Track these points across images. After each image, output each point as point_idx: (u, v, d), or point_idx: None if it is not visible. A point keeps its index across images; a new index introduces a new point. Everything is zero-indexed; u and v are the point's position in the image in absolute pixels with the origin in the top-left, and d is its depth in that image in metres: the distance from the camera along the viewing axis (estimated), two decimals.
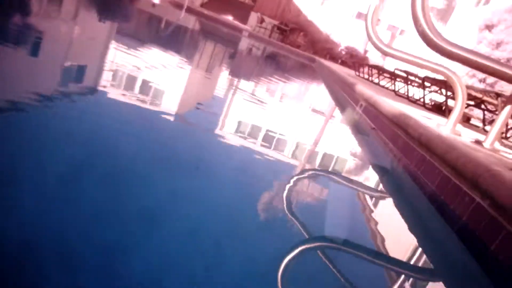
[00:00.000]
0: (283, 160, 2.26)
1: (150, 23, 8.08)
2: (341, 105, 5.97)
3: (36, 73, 2.17)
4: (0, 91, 1.67)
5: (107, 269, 0.86)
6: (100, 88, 2.28)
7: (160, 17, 9.96)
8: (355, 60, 14.85)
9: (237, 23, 16.46)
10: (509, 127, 4.43)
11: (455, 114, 2.90)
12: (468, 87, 4.55)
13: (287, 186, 1.81)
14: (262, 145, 2.36)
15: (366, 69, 9.30)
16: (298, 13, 18.71)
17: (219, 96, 3.56)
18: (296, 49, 15.64)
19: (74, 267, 0.84)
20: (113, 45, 3.92)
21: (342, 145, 3.46)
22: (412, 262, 1.54)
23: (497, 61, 2.35)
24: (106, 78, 2.60)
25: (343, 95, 6.32)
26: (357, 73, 9.96)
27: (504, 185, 1.45)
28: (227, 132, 2.41)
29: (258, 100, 3.97)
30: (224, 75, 4.98)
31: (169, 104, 2.60)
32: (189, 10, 14.05)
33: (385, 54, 3.56)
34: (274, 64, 9.84)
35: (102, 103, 2.05)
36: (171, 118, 2.29)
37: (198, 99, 3.21)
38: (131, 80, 2.74)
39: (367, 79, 8.66)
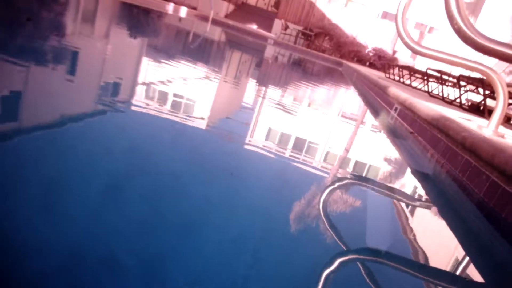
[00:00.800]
0: (316, 167, 2.24)
1: (178, 36, 8.29)
2: (373, 109, 5.85)
3: (70, 90, 2.26)
4: (38, 108, 1.76)
5: (148, 278, 0.88)
6: (134, 102, 2.36)
7: (187, 31, 10.21)
8: (383, 62, 14.54)
9: (261, 31, 16.58)
10: None
11: (497, 114, 2.76)
12: (509, 85, 4.33)
13: (323, 195, 1.78)
14: (293, 153, 2.35)
15: (396, 70, 9.08)
16: (322, 17, 18.60)
17: (248, 105, 3.58)
18: (322, 54, 15.52)
19: (117, 277, 0.86)
20: (145, 60, 4.05)
21: (378, 151, 3.37)
22: (459, 275, 1.46)
23: None
24: (139, 93, 2.69)
25: (375, 98, 6.19)
26: (387, 75, 9.73)
27: None
28: (258, 140, 2.43)
29: (287, 107, 3.96)
30: (252, 84, 5.02)
31: (201, 115, 2.64)
32: (215, 22, 14.31)
33: (416, 53, 3.45)
34: (300, 70, 9.81)
35: (136, 117, 2.11)
36: (203, 129, 2.32)
37: (228, 109, 3.25)
38: (163, 93, 2.82)
39: (398, 81, 8.45)
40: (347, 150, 3.00)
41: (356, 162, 2.70)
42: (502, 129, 3.56)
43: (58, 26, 4.21)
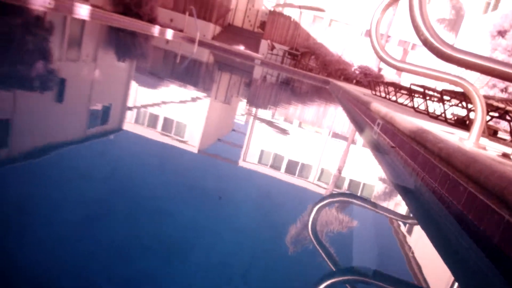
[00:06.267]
0: (305, 187, 2.22)
1: (166, 58, 8.33)
2: (359, 125, 5.91)
3: (60, 116, 2.22)
4: (27, 135, 1.71)
5: None
6: (123, 127, 2.32)
7: (175, 52, 10.28)
8: (370, 79, 14.84)
9: (249, 52, 16.82)
10: None
11: (476, 126, 2.80)
12: (488, 97, 4.42)
13: (311, 214, 1.76)
14: (283, 173, 2.33)
15: (382, 88, 9.25)
16: (307, 37, 19.01)
17: (238, 126, 3.57)
18: (309, 73, 15.77)
19: None
20: (133, 83, 4.04)
21: (364, 168, 3.38)
22: None
23: (505, 63, 2.25)
24: (128, 117, 2.66)
25: (360, 115, 6.26)
26: (373, 92, 9.91)
27: None
28: (249, 162, 2.41)
29: (277, 127, 3.97)
30: (241, 105, 5.04)
31: (191, 138, 2.62)
32: (202, 44, 14.47)
33: (396, 68, 3.51)
34: (289, 89, 9.91)
35: (125, 141, 2.08)
36: (194, 152, 2.29)
37: (218, 131, 3.23)
38: (153, 116, 2.80)
39: (384, 97, 8.59)
40: (334, 168, 3.00)
41: (340, 178, 2.70)
42: (486, 142, 3.61)
43: (43, 51, 4.18)
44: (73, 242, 1.03)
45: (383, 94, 8.98)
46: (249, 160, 2.45)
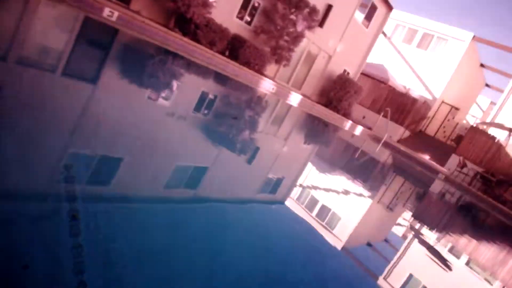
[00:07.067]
0: None
1: (346, 151, 8.90)
2: None
3: (244, 175, 2.82)
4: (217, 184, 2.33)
5: None
6: (286, 201, 2.74)
7: (356, 147, 10.80)
8: None
9: (433, 163, 15.80)
10: None
11: None
12: None
13: None
14: None
15: None
16: (510, 164, 16.40)
17: (393, 238, 3.47)
18: (502, 206, 13.44)
19: None
20: (309, 164, 4.58)
21: None
22: None
23: None
24: (294, 193, 3.05)
25: None
26: None
27: None
28: (391, 283, 2.25)
29: (440, 256, 3.49)
30: (405, 216, 4.87)
31: (340, 232, 2.69)
32: (386, 144, 14.58)
33: None
34: (469, 217, 8.78)
35: (280, 215, 2.44)
36: (337, 247, 2.37)
37: (370, 234, 3.26)
38: (313, 200, 3.04)
39: None
40: None
41: None
42: None
43: (253, 124, 5.34)
44: None
45: None
46: (391, 282, 2.26)
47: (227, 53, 11.22)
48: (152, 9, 9.53)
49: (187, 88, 5.49)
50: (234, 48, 11.16)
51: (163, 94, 4.15)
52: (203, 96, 5.33)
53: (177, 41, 7.83)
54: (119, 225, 1.43)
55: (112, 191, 1.69)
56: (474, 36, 20.91)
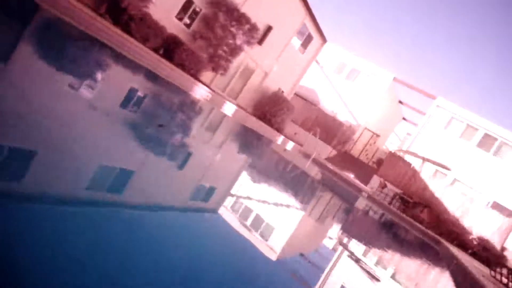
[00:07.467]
0: None
1: (279, 164, 8.79)
2: None
3: (176, 181, 2.41)
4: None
5: None
6: (219, 210, 2.40)
7: (288, 161, 10.81)
8: (488, 255, 12.74)
9: (357, 182, 16.59)
10: None
11: None
12: None
13: None
14: None
15: (505, 271, 7.79)
16: (424, 188, 17.98)
17: (324, 250, 3.36)
18: (418, 224, 14.48)
19: None
20: (244, 174, 4.29)
21: None
22: None
23: None
24: (227, 202, 2.76)
25: None
26: (493, 274, 8.39)
27: None
28: None
29: (367, 271, 3.56)
30: (334, 229, 4.80)
31: (275, 243, 2.53)
32: (315, 161, 14.96)
33: None
34: (390, 233, 9.16)
35: (212, 224, 2.11)
36: (272, 258, 2.19)
37: (303, 246, 3.08)
38: (247, 210, 2.84)
39: (506, 285, 7.16)
40: None
41: None
42: None
43: (185, 129, 4.87)
44: None
45: (504, 280, 7.51)
46: None
47: (161, 51, 10.57)
48: None
49: (113, 82, 4.86)
50: (169, 48, 10.58)
51: (83, 84, 3.52)
52: (131, 93, 4.75)
53: (104, 29, 7.07)
54: (27, 228, 1.16)
55: (22, 189, 1.37)
56: (394, 78, 23.07)
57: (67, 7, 6.40)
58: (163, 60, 9.18)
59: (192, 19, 12.43)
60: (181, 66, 10.50)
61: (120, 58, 7.08)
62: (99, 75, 4.45)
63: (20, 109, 2.01)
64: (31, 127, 1.87)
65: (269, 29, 15.66)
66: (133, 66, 7.35)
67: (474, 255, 15.18)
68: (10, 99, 2.10)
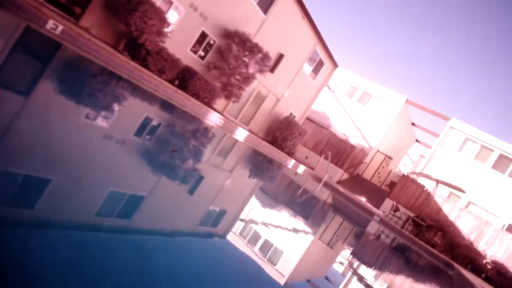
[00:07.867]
0: None
1: (289, 188, 8.98)
2: None
3: (185, 207, 2.64)
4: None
5: None
6: (227, 235, 2.62)
7: (298, 185, 10.98)
8: (503, 280, 12.43)
9: (369, 205, 16.53)
10: None
11: None
12: None
13: None
14: None
15: None
16: (437, 211, 17.74)
17: (333, 274, 3.47)
18: (431, 248, 14.29)
19: None
20: (253, 198, 4.51)
21: None
22: None
23: None
24: (236, 227, 2.96)
25: None
26: None
27: None
28: None
29: None
30: (344, 254, 4.92)
31: (283, 267, 2.65)
32: (326, 184, 15.04)
33: None
34: (402, 257, 9.15)
35: (221, 249, 2.33)
36: (280, 282, 2.33)
37: (311, 271, 3.21)
38: (256, 235, 2.98)
39: None
40: None
41: None
42: None
43: (198, 154, 5.18)
44: None
45: None
46: None
47: (176, 82, 11.08)
48: (104, 29, 9.25)
49: (129, 112, 5.23)
50: (185, 79, 11.09)
51: (101, 116, 3.87)
52: (145, 122, 5.10)
53: (123, 63, 7.57)
54: (42, 254, 1.25)
55: (36, 216, 1.48)
56: (407, 100, 23.16)
57: (88, 45, 6.91)
58: (178, 90, 9.64)
59: (206, 51, 13.01)
60: (196, 95, 10.96)
61: (137, 90, 7.53)
62: (116, 106, 4.82)
63: (41, 140, 2.26)
64: (50, 156, 2.10)
65: (280, 57, 16.17)
66: (148, 96, 7.79)
67: (487, 279, 14.81)
68: (33, 130, 2.34)
